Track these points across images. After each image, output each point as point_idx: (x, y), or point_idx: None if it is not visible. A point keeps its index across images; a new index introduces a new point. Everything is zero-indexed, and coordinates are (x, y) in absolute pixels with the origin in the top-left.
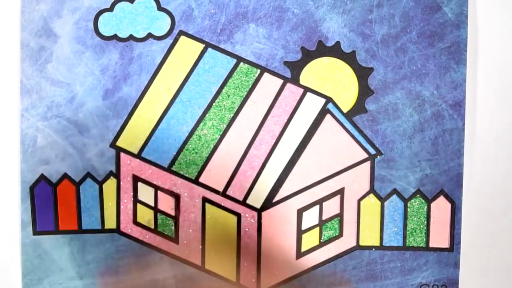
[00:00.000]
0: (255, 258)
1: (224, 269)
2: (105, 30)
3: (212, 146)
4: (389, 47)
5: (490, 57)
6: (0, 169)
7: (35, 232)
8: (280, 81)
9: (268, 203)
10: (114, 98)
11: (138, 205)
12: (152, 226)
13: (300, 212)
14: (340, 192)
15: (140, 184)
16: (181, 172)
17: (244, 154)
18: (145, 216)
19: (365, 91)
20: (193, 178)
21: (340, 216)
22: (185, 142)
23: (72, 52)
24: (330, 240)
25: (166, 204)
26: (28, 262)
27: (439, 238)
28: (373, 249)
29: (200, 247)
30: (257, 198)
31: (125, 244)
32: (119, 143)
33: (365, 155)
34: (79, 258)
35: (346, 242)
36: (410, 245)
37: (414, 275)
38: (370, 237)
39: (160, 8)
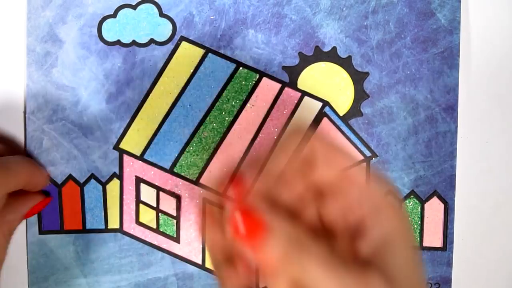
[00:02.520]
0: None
1: None
2: (108, 36)
3: (212, 148)
4: (384, 52)
5: (482, 62)
6: None
7: (41, 232)
8: (278, 85)
9: None
10: (118, 102)
11: (141, 205)
12: (154, 226)
13: None
14: None
15: (142, 185)
16: (182, 174)
17: (243, 156)
18: (148, 216)
19: (360, 95)
20: (194, 179)
21: None
22: (186, 144)
23: (77, 57)
24: None
25: (168, 204)
26: (34, 260)
27: (433, 237)
28: None
29: (201, 246)
30: None
31: (128, 243)
32: (122, 145)
33: (361, 157)
34: (83, 257)
35: None
36: None
37: None
38: None
39: (162, 15)
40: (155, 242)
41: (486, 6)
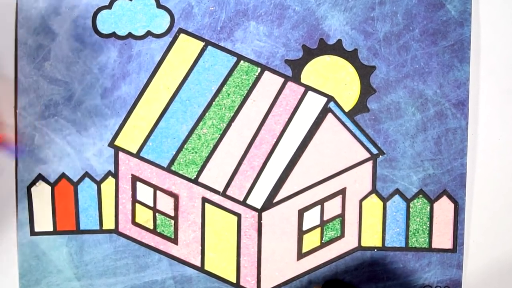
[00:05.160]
0: (255, 259)
1: (224, 270)
2: (103, 28)
3: (212, 146)
4: (391, 45)
5: (493, 55)
6: None
7: (33, 233)
8: (281, 80)
9: (269, 203)
10: (113, 97)
11: (137, 205)
12: (151, 227)
13: (301, 212)
14: (342, 192)
15: (139, 184)
16: (181, 172)
17: (244, 154)
18: (144, 216)
19: (367, 90)
20: (193, 178)
21: (341, 216)
22: (185, 142)
23: (70, 50)
24: (332, 240)
25: (165, 204)
26: (26, 263)
27: (442, 238)
28: (375, 250)
29: (200, 248)
30: (257, 198)
31: (124, 244)
32: (118, 142)
33: (367, 155)
34: (77, 259)
35: (348, 243)
36: (413, 246)
37: (417, 276)
38: (372, 238)
39: (159, 6)
40: (152, 244)
41: None
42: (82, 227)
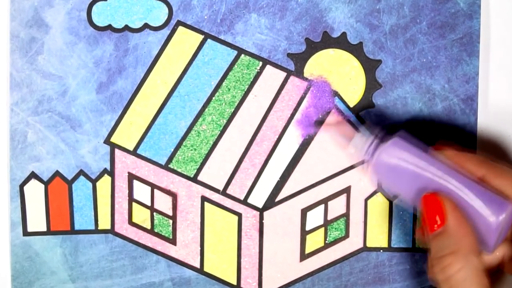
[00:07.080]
0: (257, 260)
1: (224, 272)
2: (99, 20)
3: (211, 143)
4: (398, 38)
5: (503, 48)
6: None
7: (25, 233)
8: (283, 74)
9: (271, 202)
10: (109, 92)
11: (134, 204)
12: (149, 227)
13: (304, 212)
14: (346, 190)
15: (135, 182)
16: (179, 170)
17: (245, 151)
18: (141, 216)
19: (372, 85)
20: (192, 176)
21: (346, 216)
22: (183, 138)
23: (64, 44)
24: (336, 241)
25: (163, 203)
26: (18, 264)
27: None
28: (381, 250)
29: (199, 248)
30: (258, 197)
31: (120, 245)
32: (114, 139)
33: None
34: (71, 260)
35: (353, 243)
36: (420, 246)
37: (424, 278)
38: (377, 238)
39: None
40: (149, 244)
41: None
42: (76, 227)
